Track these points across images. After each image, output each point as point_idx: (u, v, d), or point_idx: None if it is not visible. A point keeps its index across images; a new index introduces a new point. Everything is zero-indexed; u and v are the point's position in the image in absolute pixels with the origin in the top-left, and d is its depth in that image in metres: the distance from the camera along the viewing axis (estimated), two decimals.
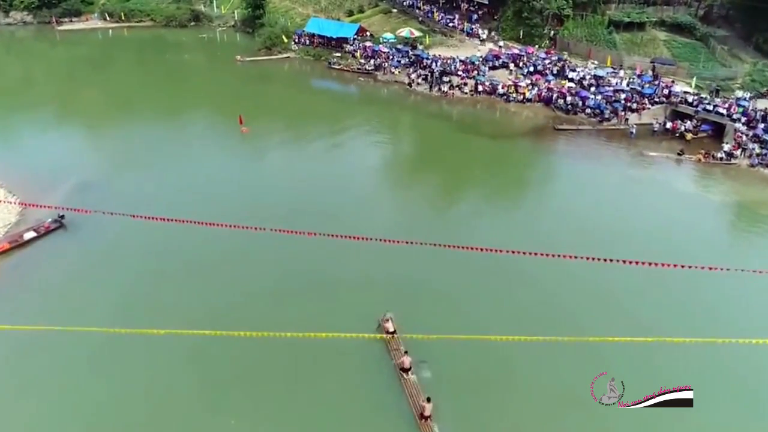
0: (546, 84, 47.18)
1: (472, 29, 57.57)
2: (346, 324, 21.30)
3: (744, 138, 38.20)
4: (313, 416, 18.16)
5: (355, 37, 58.07)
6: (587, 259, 20.13)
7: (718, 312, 22.81)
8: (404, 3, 64.21)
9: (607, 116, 43.27)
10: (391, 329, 20.90)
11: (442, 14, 60.90)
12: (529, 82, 47.78)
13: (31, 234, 27.28)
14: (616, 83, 46.14)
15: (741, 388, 19.44)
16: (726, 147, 37.81)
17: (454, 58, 51.15)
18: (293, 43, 60.28)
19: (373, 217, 29.88)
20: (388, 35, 57.46)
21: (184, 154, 37.61)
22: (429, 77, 50.00)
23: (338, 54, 56.82)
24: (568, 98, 44.98)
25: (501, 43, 54.72)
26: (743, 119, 39.62)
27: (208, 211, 27.68)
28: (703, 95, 43.63)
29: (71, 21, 71.06)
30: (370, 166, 37.08)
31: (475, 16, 59.38)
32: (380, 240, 21.54)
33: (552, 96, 45.80)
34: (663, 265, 19.54)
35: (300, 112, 46.60)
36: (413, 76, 50.74)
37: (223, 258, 25.62)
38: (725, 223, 31.72)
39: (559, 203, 32.19)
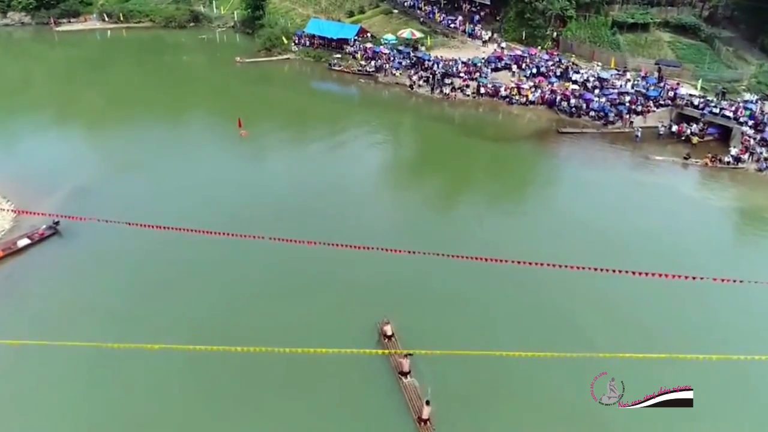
0: (549, 86, 46.60)
1: (474, 30, 56.93)
2: (345, 328, 21.54)
3: (752, 142, 37.55)
4: (312, 419, 18.18)
5: (356, 38, 57.49)
6: (594, 269, 19.64)
7: (731, 326, 22.21)
8: (405, 4, 63.61)
9: (611, 119, 42.67)
10: (390, 333, 20.93)
11: (443, 15, 60.24)
12: (532, 84, 47.19)
13: (25, 241, 26.80)
14: (621, 85, 45.52)
15: (757, 405, 18.88)
16: (733, 151, 37.17)
17: (456, 60, 50.54)
18: (293, 44, 59.72)
19: (374, 223, 29.44)
20: (389, 36, 56.81)
21: (182, 157, 37.13)
22: (430, 79, 49.40)
23: (339, 55, 56.27)
24: (572, 101, 44.38)
25: (503, 45, 54.08)
26: (750, 122, 38.97)
27: (205, 217, 27.50)
28: (709, 98, 43.01)
29: (69, 22, 70.56)
30: (371, 170, 36.64)
31: (477, 17, 58.70)
32: (381, 249, 21.22)
33: (555, 98, 45.21)
34: (673, 276, 18.98)
35: (300, 114, 46.11)
36: (414, 78, 50.18)
37: (220, 265, 25.29)
38: (734, 230, 31.14)
39: (562, 209, 31.64)
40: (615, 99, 43.81)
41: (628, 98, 43.69)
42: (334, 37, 57.91)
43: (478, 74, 48.83)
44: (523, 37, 54.21)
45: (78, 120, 44.44)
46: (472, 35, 56.79)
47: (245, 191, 32.24)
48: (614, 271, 19.41)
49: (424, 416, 17.51)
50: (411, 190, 34.41)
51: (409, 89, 49.61)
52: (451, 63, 50.21)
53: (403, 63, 52.54)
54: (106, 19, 70.85)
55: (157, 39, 67.13)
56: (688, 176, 36.47)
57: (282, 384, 19.22)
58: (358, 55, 55.15)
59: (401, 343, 20.50)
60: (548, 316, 22.59)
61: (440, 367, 19.24)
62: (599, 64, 49.63)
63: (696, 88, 44.70)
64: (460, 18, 59.22)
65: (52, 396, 18.87)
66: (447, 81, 48.59)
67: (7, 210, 28.99)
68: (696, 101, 42.22)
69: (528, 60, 50.05)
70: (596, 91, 45.03)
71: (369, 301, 22.98)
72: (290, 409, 18.53)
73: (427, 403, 17.70)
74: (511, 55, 51.01)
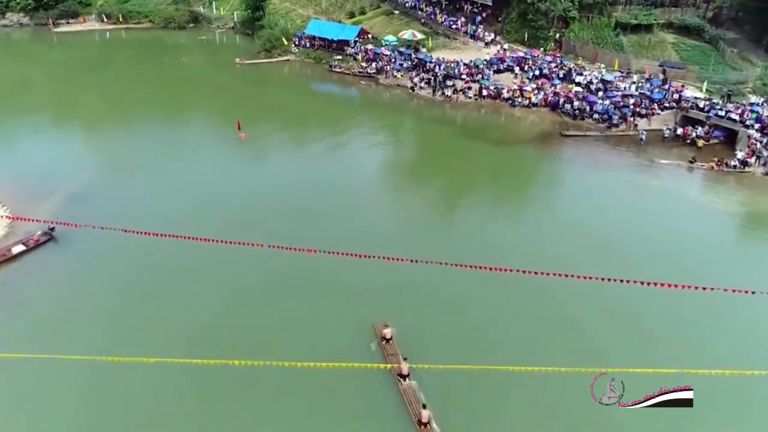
0: (552, 88, 46.08)
1: (475, 31, 56.42)
2: (344, 333, 21.40)
3: (758, 145, 37.02)
4: (311, 421, 18.02)
5: (357, 39, 57.00)
6: (600, 279, 19.21)
7: (741, 337, 21.68)
8: (406, 5, 63.11)
9: (615, 122, 42.14)
10: (388, 336, 20.81)
11: (445, 16, 59.74)
12: (534, 86, 46.68)
13: (20, 248, 26.38)
14: (625, 88, 44.99)
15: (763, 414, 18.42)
16: (739, 154, 36.63)
17: (457, 62, 50.05)
18: (293, 45, 59.23)
19: (375, 226, 29.03)
20: (390, 38, 56.30)
21: (181, 161, 36.62)
22: (432, 81, 48.94)
23: (339, 57, 55.79)
24: (575, 103, 43.86)
25: (506, 46, 53.60)
26: (757, 125, 38.41)
27: (203, 223, 27.26)
28: (715, 100, 42.48)
29: (68, 23, 70.16)
30: (372, 173, 36.25)
31: (479, 18, 58.15)
32: (383, 257, 20.85)
33: (558, 101, 44.70)
34: (683, 287, 18.51)
35: (300, 116, 45.65)
36: (416, 79, 49.70)
37: (218, 272, 24.89)
38: (742, 235, 30.57)
39: (566, 213, 31.13)
40: (619, 101, 43.27)
41: (632, 101, 43.16)
42: (335, 39, 57.43)
43: (480, 76, 48.33)
44: (526, 39, 53.76)
45: (75, 122, 44.00)
46: (474, 36, 56.28)
47: (244, 194, 31.79)
48: (622, 281, 18.94)
49: (424, 419, 17.47)
50: (412, 193, 33.97)
51: (411, 91, 49.12)
52: (452, 65, 49.71)
53: (405, 65, 52.05)
54: (105, 20, 70.48)
55: (157, 40, 66.74)
56: (693, 180, 35.97)
57: (280, 387, 18.86)
58: (359, 57, 54.67)
59: (400, 347, 20.37)
60: (553, 323, 22.17)
61: (439, 370, 18.82)
62: (603, 65, 49.11)
63: (701, 91, 44.16)
64: (462, 19, 58.68)
65: (46, 405, 18.52)
66: (449, 83, 48.09)
67: (2, 216, 28.52)
68: (701, 104, 41.69)
69: (531, 62, 49.56)
70: (600, 94, 44.50)
71: (369, 305, 22.67)
72: (289, 413, 18.34)
73: (424, 406, 17.72)
74: (513, 57, 50.53)
